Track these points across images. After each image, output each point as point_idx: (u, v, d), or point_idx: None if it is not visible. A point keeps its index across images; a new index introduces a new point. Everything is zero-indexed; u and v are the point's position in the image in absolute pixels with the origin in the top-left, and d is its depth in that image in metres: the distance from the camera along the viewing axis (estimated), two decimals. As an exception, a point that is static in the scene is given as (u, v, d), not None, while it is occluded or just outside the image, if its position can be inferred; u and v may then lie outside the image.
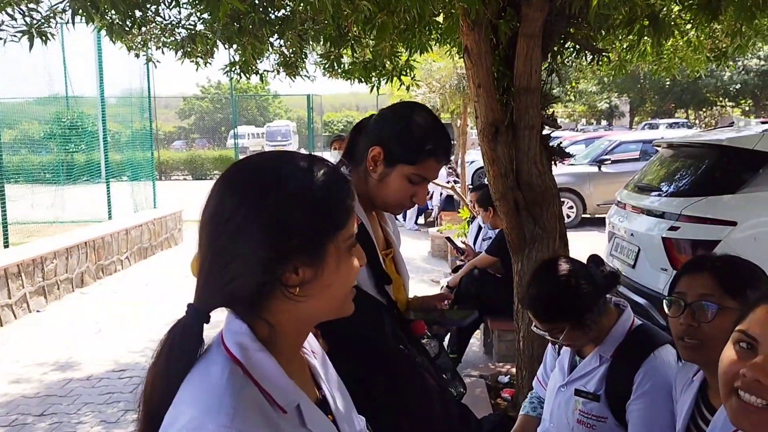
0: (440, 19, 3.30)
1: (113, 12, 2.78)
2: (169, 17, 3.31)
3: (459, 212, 8.62)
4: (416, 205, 1.65)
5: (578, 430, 1.86)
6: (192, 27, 3.32)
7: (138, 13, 2.96)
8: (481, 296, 4.31)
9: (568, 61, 3.55)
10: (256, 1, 2.80)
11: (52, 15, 2.71)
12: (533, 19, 2.75)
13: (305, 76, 3.86)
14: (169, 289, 6.99)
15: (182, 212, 10.35)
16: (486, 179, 3.34)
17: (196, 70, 3.75)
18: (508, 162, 2.95)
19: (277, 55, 3.64)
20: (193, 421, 0.76)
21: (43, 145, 9.86)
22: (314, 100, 23.51)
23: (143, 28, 3.22)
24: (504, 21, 2.79)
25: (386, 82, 3.85)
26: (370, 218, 1.61)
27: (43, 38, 2.67)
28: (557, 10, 2.83)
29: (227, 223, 0.84)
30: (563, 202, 9.00)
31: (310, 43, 3.51)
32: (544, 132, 3.06)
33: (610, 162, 11.05)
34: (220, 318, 0.90)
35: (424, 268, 7.93)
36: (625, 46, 3.88)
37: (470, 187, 8.17)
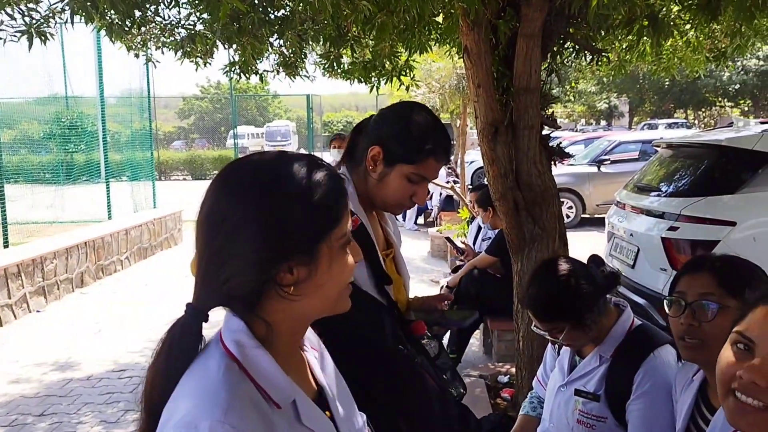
0: (440, 19, 3.30)
1: (113, 12, 2.78)
2: (169, 17, 3.31)
3: (458, 212, 8.63)
4: (416, 205, 1.65)
5: (578, 430, 1.86)
6: (191, 27, 3.32)
7: (137, 13, 2.96)
8: (481, 296, 4.31)
9: (567, 61, 3.55)
10: (256, 1, 2.80)
11: (51, 15, 2.71)
12: (533, 19, 2.75)
13: (305, 76, 3.86)
14: (168, 289, 6.99)
15: (182, 212, 10.35)
16: (485, 179, 3.34)
17: (196, 70, 3.76)
18: (508, 162, 2.95)
19: (277, 55, 3.64)
20: (189, 415, 0.78)
21: (43, 145, 9.87)
22: (314, 100, 23.50)
23: (143, 28, 3.22)
24: (503, 21, 2.79)
25: (386, 83, 3.85)
26: (371, 218, 1.60)
27: (43, 38, 2.66)
28: (557, 10, 2.83)
29: (223, 223, 0.85)
30: (562, 202, 9.02)
31: (310, 43, 3.51)
32: (544, 132, 3.06)
33: (609, 162, 11.06)
34: (220, 317, 0.91)
35: (423, 268, 7.93)
36: (624, 47, 3.88)
37: (470, 187, 8.18)
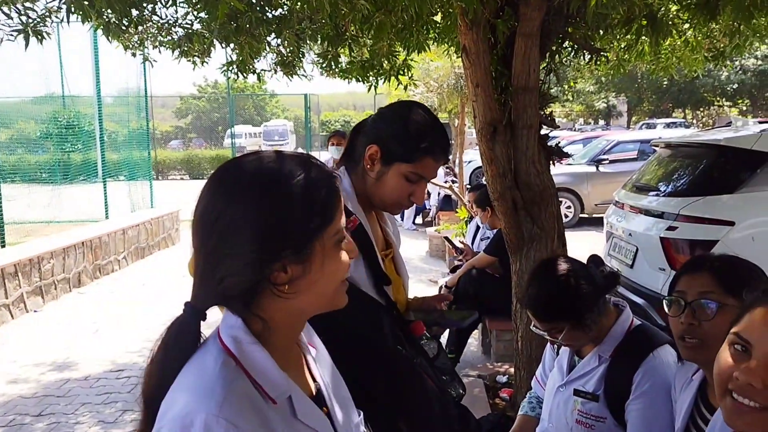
0: (438, 18, 3.29)
1: (109, 11, 2.77)
2: (166, 16, 3.29)
3: (457, 212, 8.63)
4: (414, 205, 1.65)
5: (577, 430, 1.86)
6: (189, 26, 3.31)
7: (134, 12, 2.95)
8: (480, 296, 4.31)
9: (566, 61, 3.55)
10: (253, 0, 2.79)
11: (47, 14, 2.69)
12: (531, 19, 2.74)
13: (302, 75, 3.84)
14: (166, 288, 6.98)
15: (179, 212, 10.34)
16: (484, 179, 3.34)
17: (193, 69, 3.74)
18: (506, 161, 2.95)
19: (275, 54, 3.63)
20: (185, 408, 0.80)
21: (40, 145, 9.85)
22: (311, 99, 23.51)
23: (140, 27, 3.20)
24: (502, 20, 2.79)
25: (384, 82, 3.85)
26: (370, 218, 1.60)
27: (39, 37, 2.65)
28: (555, 9, 2.83)
29: (217, 223, 0.86)
30: (561, 201, 9.01)
31: (308, 42, 3.50)
32: (542, 131, 3.06)
33: (607, 162, 11.07)
34: (219, 316, 0.92)
35: (421, 268, 7.93)
36: (623, 46, 3.87)
37: (468, 186, 8.18)
